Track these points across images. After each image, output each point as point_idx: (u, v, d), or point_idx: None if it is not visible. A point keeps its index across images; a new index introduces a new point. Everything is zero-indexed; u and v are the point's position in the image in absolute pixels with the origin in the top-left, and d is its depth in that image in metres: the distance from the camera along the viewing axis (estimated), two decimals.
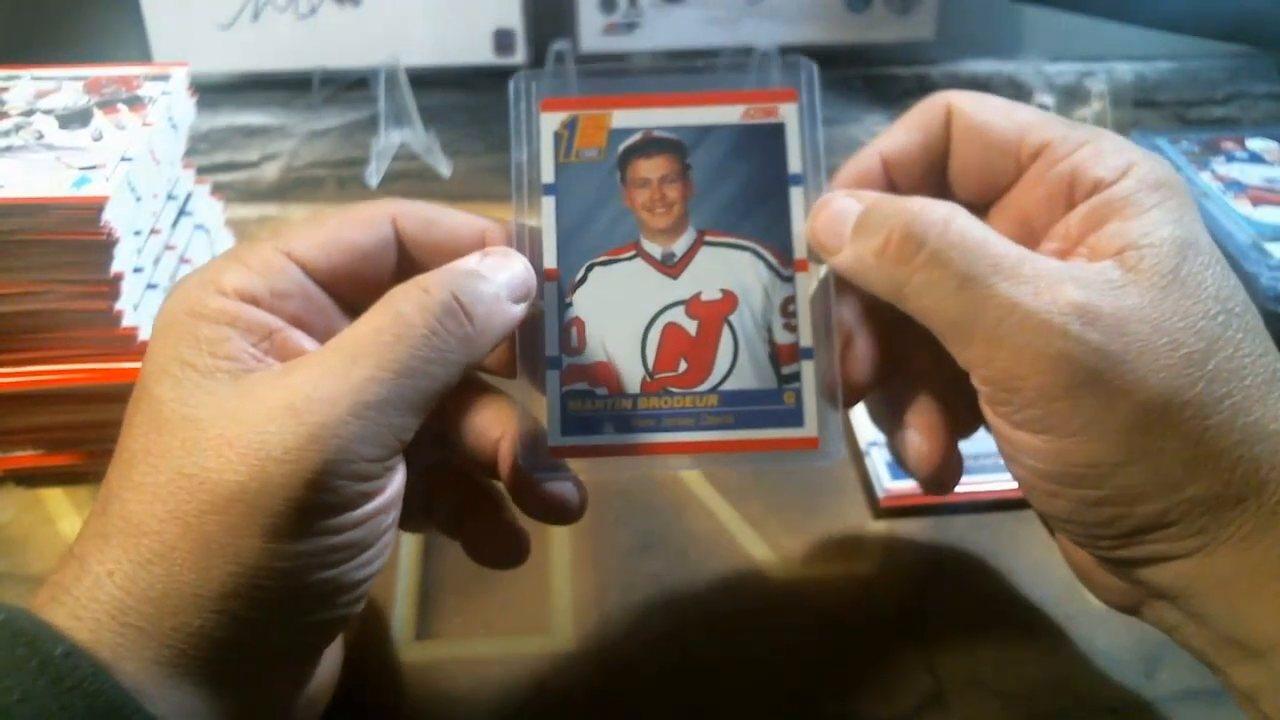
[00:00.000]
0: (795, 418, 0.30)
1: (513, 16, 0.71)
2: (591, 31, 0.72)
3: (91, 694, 0.22)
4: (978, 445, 0.33)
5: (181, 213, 0.45)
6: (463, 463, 0.31)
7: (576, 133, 0.31)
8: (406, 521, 0.28)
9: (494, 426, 0.30)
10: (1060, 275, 0.26)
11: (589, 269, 0.30)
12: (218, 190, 0.50)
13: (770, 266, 0.31)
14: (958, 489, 0.36)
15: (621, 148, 0.31)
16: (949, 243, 0.26)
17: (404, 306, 0.26)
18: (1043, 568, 0.39)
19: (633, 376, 0.30)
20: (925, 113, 0.32)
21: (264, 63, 0.71)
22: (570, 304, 0.30)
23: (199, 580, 0.24)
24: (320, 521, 0.24)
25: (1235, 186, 0.49)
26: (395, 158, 0.63)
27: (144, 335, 0.40)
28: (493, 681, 0.35)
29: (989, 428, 0.29)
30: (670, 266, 0.31)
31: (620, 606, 0.38)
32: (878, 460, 0.42)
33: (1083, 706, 0.35)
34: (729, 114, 0.31)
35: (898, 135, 0.32)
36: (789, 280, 0.31)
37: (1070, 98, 0.63)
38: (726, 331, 0.30)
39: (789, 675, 0.35)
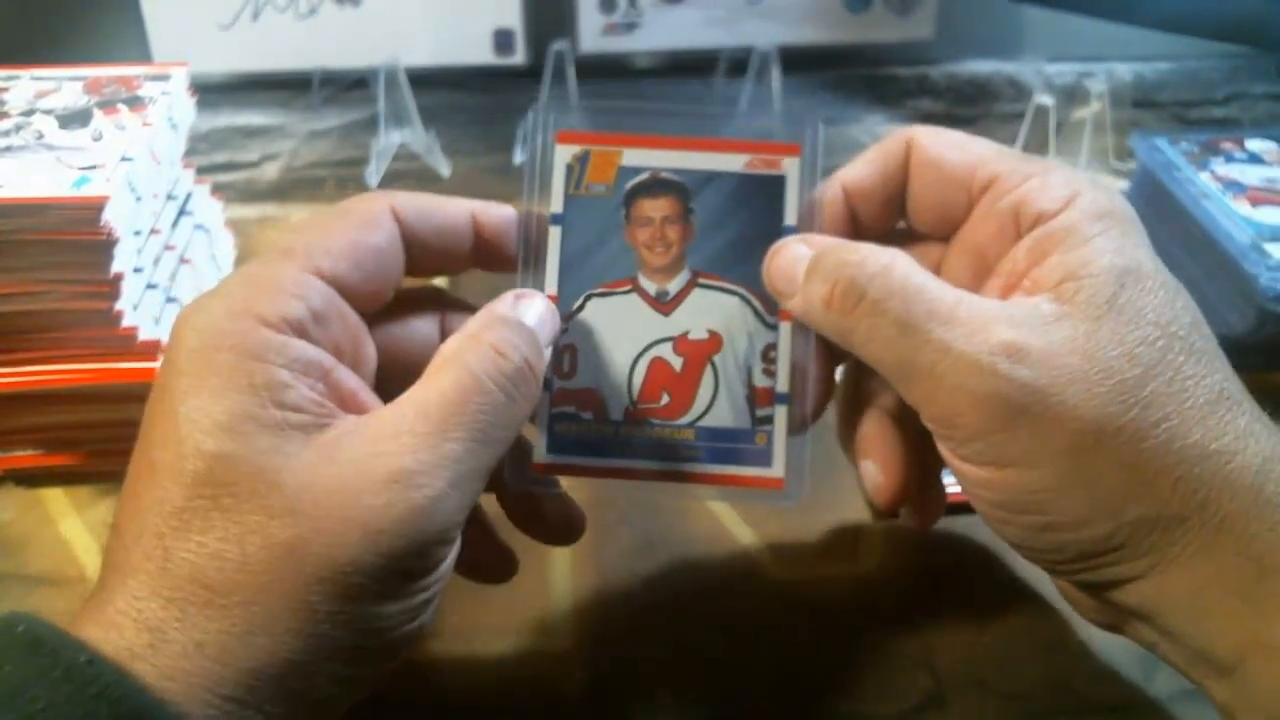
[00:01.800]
0: (764, 458, 0.31)
1: (512, 16, 0.71)
2: (591, 32, 0.72)
3: (116, 700, 0.22)
4: None
5: (181, 213, 0.45)
6: None
7: (588, 167, 0.32)
8: None
9: None
10: (992, 316, 0.27)
11: (587, 299, 0.32)
12: (218, 190, 0.50)
13: (756, 313, 0.32)
14: (957, 489, 0.36)
15: (629, 185, 0.32)
16: (888, 291, 0.27)
17: (480, 370, 0.26)
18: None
19: (617, 405, 0.31)
20: (886, 146, 0.32)
21: (264, 63, 0.71)
22: (566, 330, 0.32)
23: (306, 648, 0.23)
24: (419, 583, 0.25)
25: (1235, 187, 0.49)
26: (395, 158, 0.63)
27: (144, 335, 0.40)
28: (493, 681, 0.35)
29: None
30: (663, 304, 0.32)
31: (620, 606, 0.38)
32: None
33: (1083, 706, 0.35)
34: (733, 162, 0.32)
35: (858, 167, 0.33)
36: (773, 328, 0.32)
37: (1070, 98, 0.63)
38: (709, 370, 0.32)
39: (789, 675, 0.35)
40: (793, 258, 0.30)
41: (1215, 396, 0.26)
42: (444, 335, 0.32)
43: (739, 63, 0.68)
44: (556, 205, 0.32)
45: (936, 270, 0.32)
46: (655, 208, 0.32)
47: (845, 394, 0.35)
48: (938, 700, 0.35)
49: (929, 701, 0.35)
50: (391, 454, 0.24)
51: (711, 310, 0.32)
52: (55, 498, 0.42)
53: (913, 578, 0.39)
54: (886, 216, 0.33)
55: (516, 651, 0.36)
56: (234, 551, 0.23)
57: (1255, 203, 0.48)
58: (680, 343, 0.32)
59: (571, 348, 0.32)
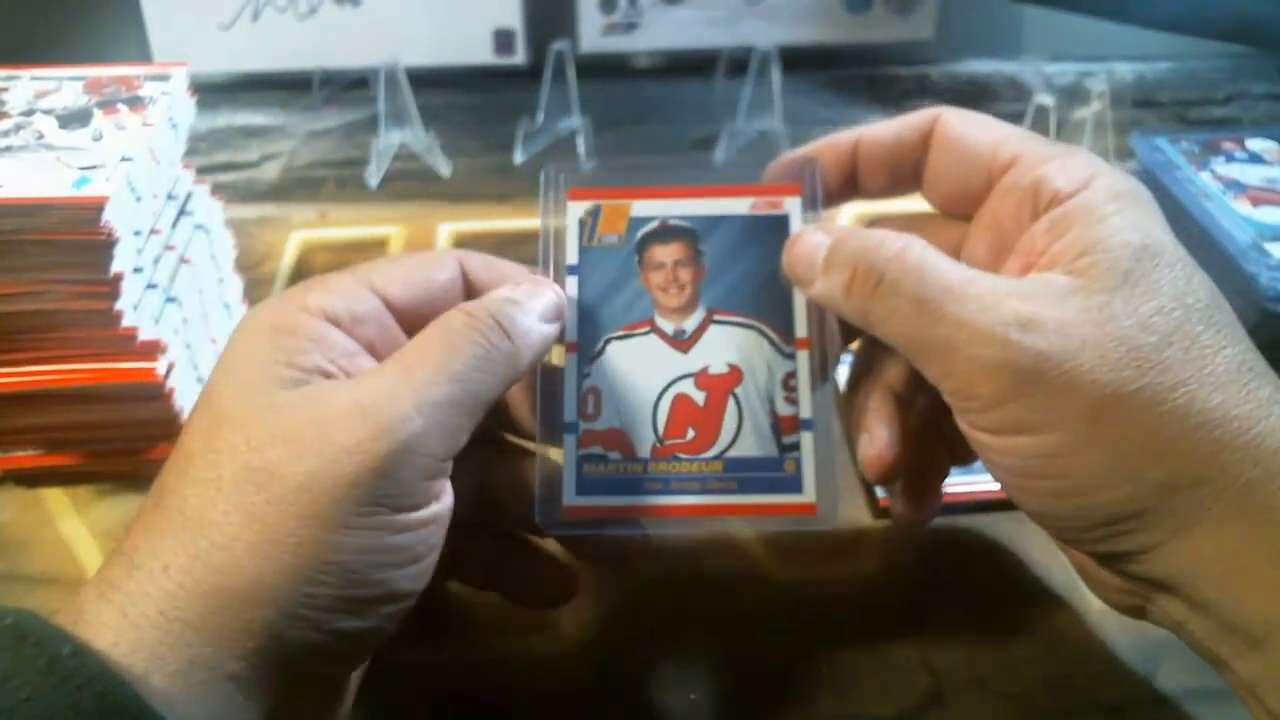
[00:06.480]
0: (795, 484, 0.32)
1: (512, 16, 0.71)
2: (591, 32, 0.72)
3: (99, 692, 0.22)
4: None
5: (181, 213, 0.45)
6: (501, 521, 0.34)
7: (599, 220, 0.34)
8: (437, 573, 0.29)
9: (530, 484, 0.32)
10: (1004, 290, 0.27)
11: (606, 342, 0.33)
12: (218, 190, 0.50)
13: (773, 344, 0.33)
14: (957, 489, 0.36)
15: (640, 234, 0.34)
16: (903, 271, 0.28)
17: (452, 324, 0.28)
18: (1043, 568, 0.39)
19: (644, 442, 0.32)
20: (913, 116, 0.33)
21: (264, 63, 0.71)
22: (588, 374, 0.33)
23: (257, 570, 0.24)
24: (382, 513, 0.26)
25: (1235, 186, 0.49)
26: (395, 158, 0.63)
27: (144, 335, 0.40)
28: (493, 681, 0.35)
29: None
30: (681, 342, 0.33)
31: (620, 607, 0.38)
32: None
33: (1083, 706, 0.35)
34: (738, 205, 0.34)
35: (879, 128, 0.34)
36: (790, 357, 0.33)
37: (1070, 98, 0.63)
38: (732, 402, 0.32)
39: (789, 675, 0.35)
40: (811, 245, 0.31)
41: (1236, 366, 0.26)
42: None
43: (739, 63, 0.68)
44: (571, 257, 0.33)
45: (957, 249, 0.33)
46: (667, 252, 0.33)
47: (854, 377, 0.35)
48: (938, 700, 0.35)
49: (929, 701, 0.35)
50: (358, 388, 0.26)
51: (729, 345, 0.33)
52: (55, 498, 0.42)
53: (913, 578, 0.39)
54: (884, 182, 0.34)
55: (517, 651, 0.36)
56: (212, 475, 0.25)
57: (1256, 202, 0.48)
58: (701, 377, 0.32)
59: (595, 390, 0.32)
